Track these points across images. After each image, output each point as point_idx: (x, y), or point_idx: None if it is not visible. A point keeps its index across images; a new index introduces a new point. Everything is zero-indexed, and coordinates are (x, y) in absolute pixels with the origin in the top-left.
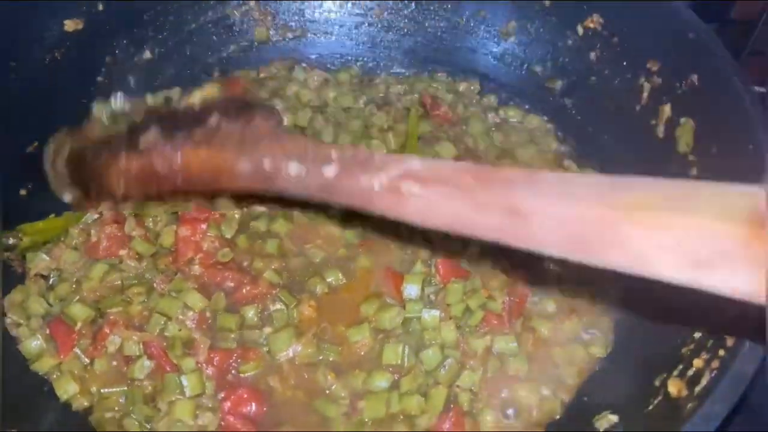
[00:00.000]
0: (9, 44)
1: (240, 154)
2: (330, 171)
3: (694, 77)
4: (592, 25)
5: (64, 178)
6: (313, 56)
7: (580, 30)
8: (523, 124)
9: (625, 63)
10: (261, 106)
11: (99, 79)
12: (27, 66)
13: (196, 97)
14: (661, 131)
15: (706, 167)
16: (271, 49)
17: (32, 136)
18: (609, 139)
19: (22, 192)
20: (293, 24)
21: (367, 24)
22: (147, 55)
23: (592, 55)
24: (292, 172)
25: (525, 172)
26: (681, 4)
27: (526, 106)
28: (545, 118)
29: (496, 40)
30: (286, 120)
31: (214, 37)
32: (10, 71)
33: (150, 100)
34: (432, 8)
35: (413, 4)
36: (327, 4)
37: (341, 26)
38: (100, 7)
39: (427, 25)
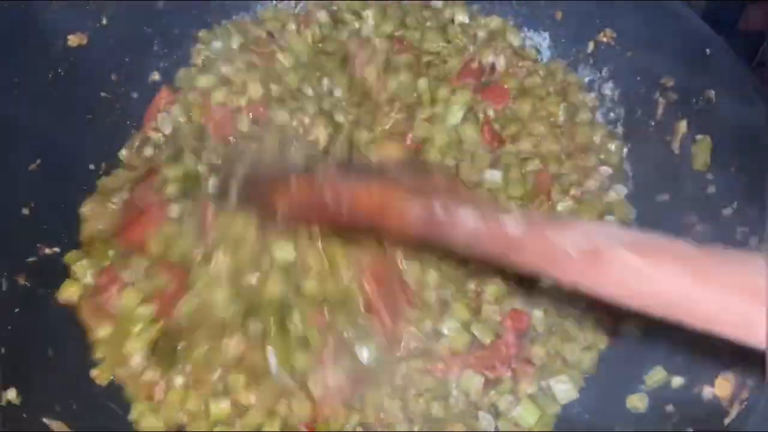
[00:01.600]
0: (12, 60)
1: (414, 198)
2: (513, 227)
3: (711, 93)
4: (604, 40)
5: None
6: None
7: (591, 45)
8: None
9: (638, 78)
10: (438, 167)
11: (102, 95)
12: (30, 82)
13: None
14: (676, 147)
15: (724, 186)
16: None
17: (35, 154)
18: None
19: (25, 211)
20: None
21: None
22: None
23: (605, 71)
24: (469, 223)
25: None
26: (696, 18)
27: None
28: None
29: None
30: None
31: None
32: (13, 87)
33: None
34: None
35: None
36: None
37: None
38: (104, 21)
39: None
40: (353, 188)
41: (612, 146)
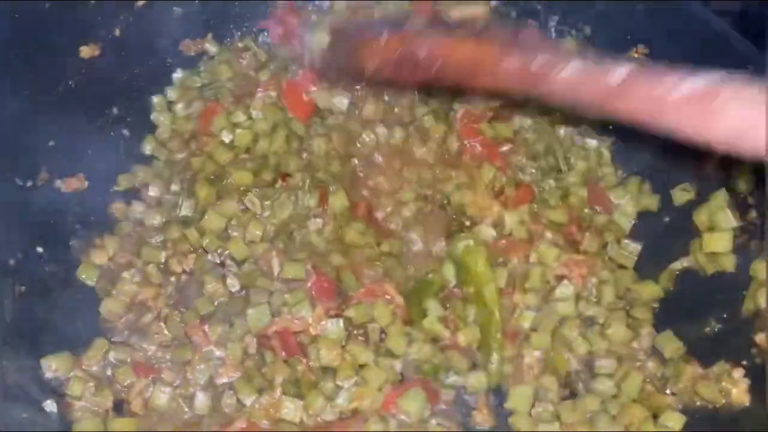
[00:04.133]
0: (25, 71)
1: (508, 50)
2: (615, 77)
3: None
4: (636, 56)
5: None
6: None
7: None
8: None
9: None
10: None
11: (114, 109)
12: (42, 93)
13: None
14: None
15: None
16: None
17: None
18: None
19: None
20: None
21: None
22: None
23: None
24: (567, 73)
25: None
26: (735, 34)
27: None
28: None
29: None
30: None
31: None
32: (24, 99)
33: None
34: None
35: None
36: None
37: None
38: (117, 32)
39: None
40: (446, 43)
41: None
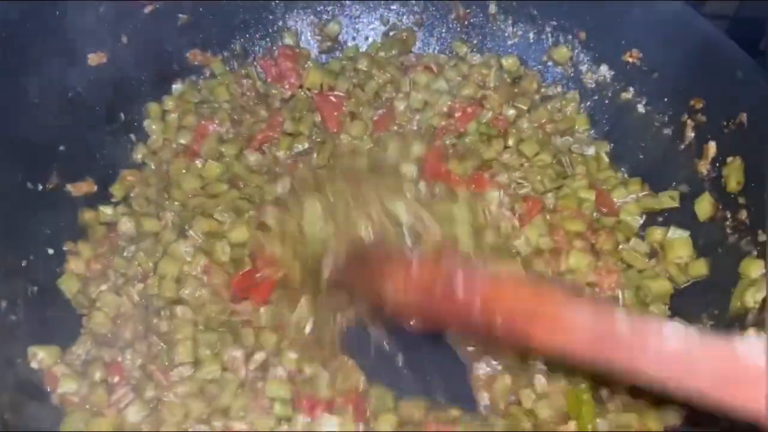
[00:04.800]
0: (31, 80)
1: (572, 300)
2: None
3: (743, 116)
4: (630, 60)
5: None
6: None
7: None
8: None
9: (666, 99)
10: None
11: (121, 115)
12: (50, 99)
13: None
14: (705, 168)
15: (758, 212)
16: None
17: (50, 175)
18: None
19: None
20: None
21: None
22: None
23: (631, 91)
24: (674, 343)
25: None
26: (727, 39)
27: None
28: None
29: None
30: None
31: None
32: (31, 108)
33: None
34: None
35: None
36: None
37: None
38: (125, 40)
39: None
40: (493, 281)
41: None
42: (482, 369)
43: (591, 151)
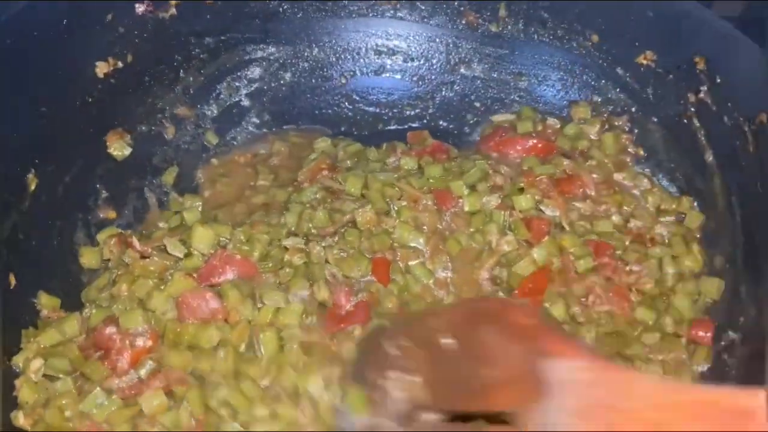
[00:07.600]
0: (44, 89)
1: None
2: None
3: (763, 116)
4: (644, 62)
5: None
6: None
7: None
8: None
9: (681, 102)
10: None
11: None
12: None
13: None
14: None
15: None
16: None
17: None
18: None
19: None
20: None
21: None
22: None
23: (650, 92)
24: None
25: None
26: (741, 35)
27: None
28: None
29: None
30: None
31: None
32: (39, 116)
33: None
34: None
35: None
36: None
37: None
38: (132, 49)
39: None
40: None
41: None
42: None
43: None
